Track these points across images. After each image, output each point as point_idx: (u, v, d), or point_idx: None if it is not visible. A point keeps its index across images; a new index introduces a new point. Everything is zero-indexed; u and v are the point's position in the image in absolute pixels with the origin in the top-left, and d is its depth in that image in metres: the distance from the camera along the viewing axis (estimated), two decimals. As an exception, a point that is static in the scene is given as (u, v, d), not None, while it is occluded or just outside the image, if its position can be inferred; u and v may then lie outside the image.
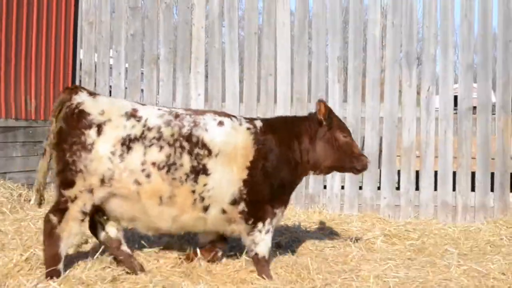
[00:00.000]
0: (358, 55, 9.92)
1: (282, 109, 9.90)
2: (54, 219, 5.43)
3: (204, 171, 5.58)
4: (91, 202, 5.49)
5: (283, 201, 5.97)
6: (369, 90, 9.84)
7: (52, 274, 5.39)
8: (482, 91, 9.64)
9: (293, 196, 6.49)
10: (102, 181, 5.45)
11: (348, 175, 9.48)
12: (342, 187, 9.84)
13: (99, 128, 5.45)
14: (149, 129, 5.54)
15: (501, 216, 9.28)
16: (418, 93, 9.79)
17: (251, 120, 5.99)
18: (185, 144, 5.56)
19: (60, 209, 5.45)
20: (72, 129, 5.45)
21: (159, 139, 5.52)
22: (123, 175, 5.46)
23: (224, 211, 5.74)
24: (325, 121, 5.95)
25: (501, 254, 7.23)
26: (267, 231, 5.87)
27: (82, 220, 5.51)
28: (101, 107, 5.53)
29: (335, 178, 9.78)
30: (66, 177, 5.44)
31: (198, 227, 5.86)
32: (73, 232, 5.48)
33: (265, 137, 5.82)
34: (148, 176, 5.49)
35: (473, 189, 9.55)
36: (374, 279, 5.95)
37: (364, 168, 6.09)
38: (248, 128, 5.84)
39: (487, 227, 8.73)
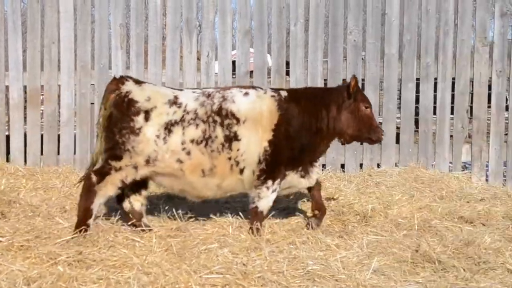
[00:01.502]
0: (141, 22, 10.08)
1: (66, 77, 9.92)
2: (94, 178, 6.02)
3: (236, 137, 6.13)
4: (133, 176, 6.10)
5: (298, 165, 6.41)
6: (152, 57, 10.03)
7: (82, 225, 5.97)
8: (258, 56, 10.09)
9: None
10: (147, 161, 6.07)
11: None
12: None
13: (146, 114, 6.06)
14: (188, 112, 6.13)
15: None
16: (199, 59, 10.09)
17: (276, 90, 6.49)
18: (217, 118, 6.12)
19: (103, 172, 6.03)
20: (123, 115, 6.04)
21: (195, 119, 6.10)
22: (166, 156, 6.06)
23: (253, 172, 6.24)
24: (353, 95, 6.42)
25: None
26: (274, 190, 6.31)
27: (119, 188, 6.11)
28: (147, 94, 6.15)
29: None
30: (114, 153, 6.05)
31: (238, 189, 6.39)
32: (108, 194, 6.08)
33: (288, 104, 6.29)
34: (188, 153, 6.09)
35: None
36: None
37: (379, 139, 6.61)
38: (273, 96, 6.33)
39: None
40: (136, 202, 6.47)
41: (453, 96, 10.15)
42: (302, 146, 6.37)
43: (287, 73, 10.09)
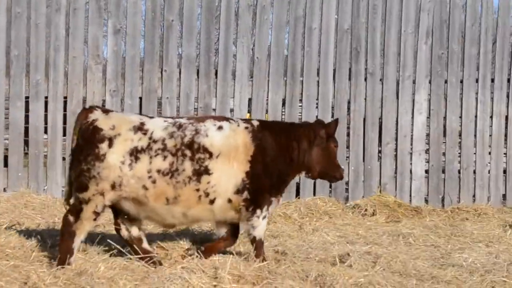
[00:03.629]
0: None
1: None
2: (71, 218, 6.22)
3: (206, 171, 6.28)
4: (102, 204, 6.22)
5: (279, 191, 6.59)
6: None
7: (63, 263, 6.13)
8: None
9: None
10: (113, 186, 6.18)
11: None
12: None
13: (110, 141, 6.20)
14: (155, 141, 6.27)
15: None
16: None
17: (247, 121, 6.66)
18: (187, 151, 6.28)
19: (76, 210, 6.22)
20: (87, 142, 6.22)
21: (163, 150, 6.25)
22: (131, 181, 6.19)
23: (230, 200, 6.37)
24: (331, 137, 6.70)
25: None
26: (264, 217, 6.52)
27: (95, 219, 6.27)
28: (112, 123, 6.28)
29: None
30: (81, 182, 6.21)
31: (207, 218, 6.56)
32: (86, 230, 6.26)
33: (261, 134, 6.48)
34: (154, 182, 6.22)
35: None
36: None
37: (342, 177, 6.86)
38: (246, 127, 6.48)
39: None
40: (133, 228, 6.53)
41: (65, 116, 9.66)
42: (279, 173, 6.58)
43: None
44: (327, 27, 10.03)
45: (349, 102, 10.12)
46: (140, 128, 6.30)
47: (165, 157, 6.25)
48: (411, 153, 10.20)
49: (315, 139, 6.68)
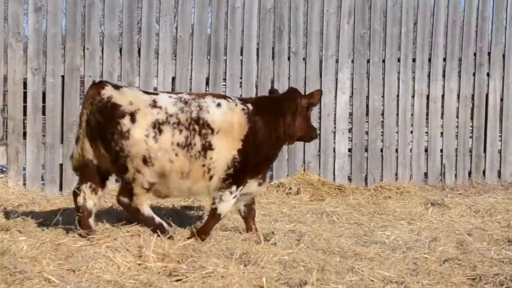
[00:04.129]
0: None
1: None
2: (125, 200, 6.47)
3: (210, 147, 6.50)
4: (146, 180, 6.40)
5: (259, 173, 6.85)
6: None
7: (164, 232, 6.44)
8: None
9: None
10: (145, 161, 6.34)
11: None
12: None
13: (132, 116, 6.34)
14: (170, 115, 6.45)
15: None
16: None
17: (244, 102, 6.84)
18: (196, 126, 6.48)
19: (127, 190, 6.44)
20: (107, 119, 6.32)
21: (178, 124, 6.45)
22: (158, 154, 6.37)
23: (219, 179, 6.60)
24: (311, 106, 7.05)
25: None
26: (235, 196, 6.69)
27: (147, 191, 6.45)
28: (128, 98, 6.43)
29: None
30: (120, 165, 6.38)
31: (203, 193, 6.86)
32: (145, 199, 6.49)
33: (255, 117, 6.70)
34: (176, 155, 6.42)
35: None
36: None
37: (317, 137, 7.49)
38: (243, 109, 6.70)
39: None
40: (89, 200, 6.59)
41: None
42: (267, 155, 6.84)
43: None
44: (250, 6, 10.01)
45: (272, 81, 10.14)
46: (155, 103, 6.49)
47: (181, 131, 6.47)
48: (334, 132, 10.28)
49: (296, 109, 6.96)
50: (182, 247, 6.10)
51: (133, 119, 6.38)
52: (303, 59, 10.20)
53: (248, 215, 7.01)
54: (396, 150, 10.42)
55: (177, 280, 5.46)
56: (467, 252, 6.55)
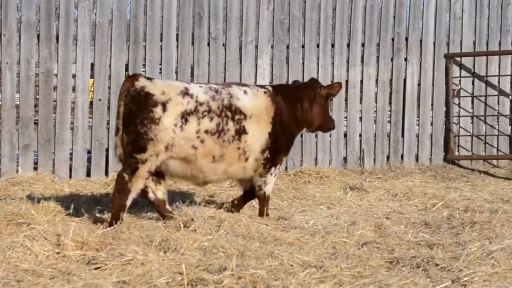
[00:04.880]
0: None
1: None
2: (126, 176, 6.78)
3: (244, 131, 7.00)
4: (156, 164, 6.80)
5: (288, 151, 7.44)
6: None
7: (116, 219, 6.70)
8: None
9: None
10: (166, 148, 6.77)
11: None
12: None
13: (164, 105, 6.76)
14: (201, 104, 6.89)
15: None
16: None
17: (262, 86, 7.49)
18: (228, 113, 6.96)
19: (131, 168, 6.76)
20: (140, 107, 6.75)
21: (209, 111, 6.89)
22: (181, 142, 6.79)
23: (256, 159, 7.12)
24: (330, 96, 7.57)
25: None
26: (275, 175, 7.33)
27: (147, 178, 6.82)
28: (161, 88, 6.84)
29: None
30: (139, 144, 6.76)
31: (239, 175, 7.23)
32: (139, 187, 6.80)
33: (277, 98, 7.22)
34: (202, 141, 6.85)
35: None
36: None
37: (334, 128, 7.81)
38: (265, 92, 7.23)
39: None
40: (159, 192, 7.02)
41: None
42: (292, 135, 7.37)
43: None
44: (170, -9, 9.94)
45: (192, 67, 10.11)
46: (186, 93, 6.90)
47: (211, 118, 6.92)
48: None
49: (314, 97, 7.43)
50: (101, 235, 6.05)
51: (164, 108, 6.78)
52: (223, 44, 10.19)
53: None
54: (316, 135, 10.51)
55: (96, 268, 5.38)
56: (385, 235, 6.67)
